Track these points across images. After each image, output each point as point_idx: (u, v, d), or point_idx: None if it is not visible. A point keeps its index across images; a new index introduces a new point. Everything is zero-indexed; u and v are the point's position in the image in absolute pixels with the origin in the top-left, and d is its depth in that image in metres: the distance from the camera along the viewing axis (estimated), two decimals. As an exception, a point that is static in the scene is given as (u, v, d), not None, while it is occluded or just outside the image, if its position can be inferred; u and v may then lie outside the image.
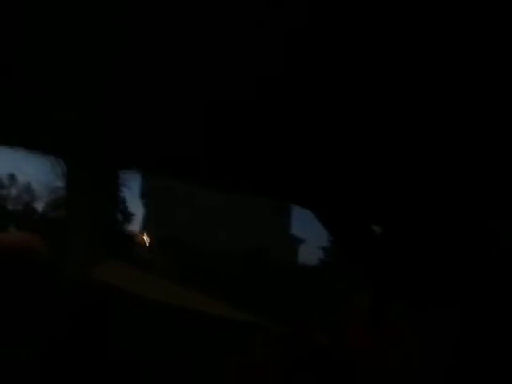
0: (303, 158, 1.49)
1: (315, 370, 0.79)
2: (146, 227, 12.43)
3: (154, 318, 1.38)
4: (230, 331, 1.40)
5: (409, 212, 1.44)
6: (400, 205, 1.48)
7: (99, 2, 0.98)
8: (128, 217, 13.12)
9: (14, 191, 19.83)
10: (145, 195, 12.87)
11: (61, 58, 1.15)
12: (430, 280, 1.04)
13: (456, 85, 1.09)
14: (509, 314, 0.89)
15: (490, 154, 1.24)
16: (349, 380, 0.81)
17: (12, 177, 17.82)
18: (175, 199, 11.87)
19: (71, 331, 1.22)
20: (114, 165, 1.64)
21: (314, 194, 1.66)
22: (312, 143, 1.42)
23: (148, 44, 1.09)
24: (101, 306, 1.33)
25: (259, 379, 0.83)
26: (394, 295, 0.96)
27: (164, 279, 1.64)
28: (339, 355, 0.85)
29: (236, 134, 1.44)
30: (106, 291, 1.35)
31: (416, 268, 1.14)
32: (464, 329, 0.88)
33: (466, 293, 0.97)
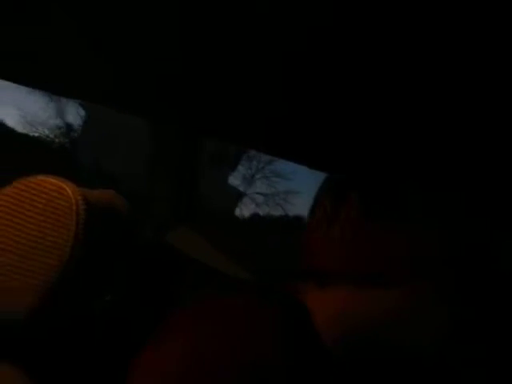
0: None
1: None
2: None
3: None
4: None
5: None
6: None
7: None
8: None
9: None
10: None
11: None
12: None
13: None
14: None
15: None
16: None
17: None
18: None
19: (139, 286, 1.30)
20: (197, 134, 1.67)
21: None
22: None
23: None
24: (168, 267, 1.41)
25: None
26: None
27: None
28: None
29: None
30: (174, 255, 1.43)
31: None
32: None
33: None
